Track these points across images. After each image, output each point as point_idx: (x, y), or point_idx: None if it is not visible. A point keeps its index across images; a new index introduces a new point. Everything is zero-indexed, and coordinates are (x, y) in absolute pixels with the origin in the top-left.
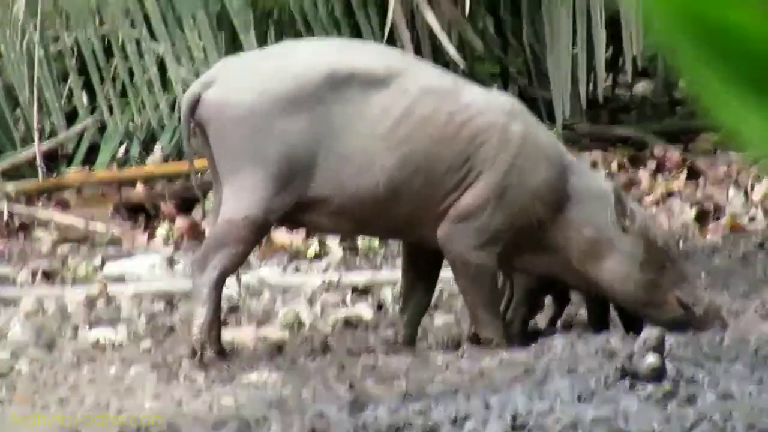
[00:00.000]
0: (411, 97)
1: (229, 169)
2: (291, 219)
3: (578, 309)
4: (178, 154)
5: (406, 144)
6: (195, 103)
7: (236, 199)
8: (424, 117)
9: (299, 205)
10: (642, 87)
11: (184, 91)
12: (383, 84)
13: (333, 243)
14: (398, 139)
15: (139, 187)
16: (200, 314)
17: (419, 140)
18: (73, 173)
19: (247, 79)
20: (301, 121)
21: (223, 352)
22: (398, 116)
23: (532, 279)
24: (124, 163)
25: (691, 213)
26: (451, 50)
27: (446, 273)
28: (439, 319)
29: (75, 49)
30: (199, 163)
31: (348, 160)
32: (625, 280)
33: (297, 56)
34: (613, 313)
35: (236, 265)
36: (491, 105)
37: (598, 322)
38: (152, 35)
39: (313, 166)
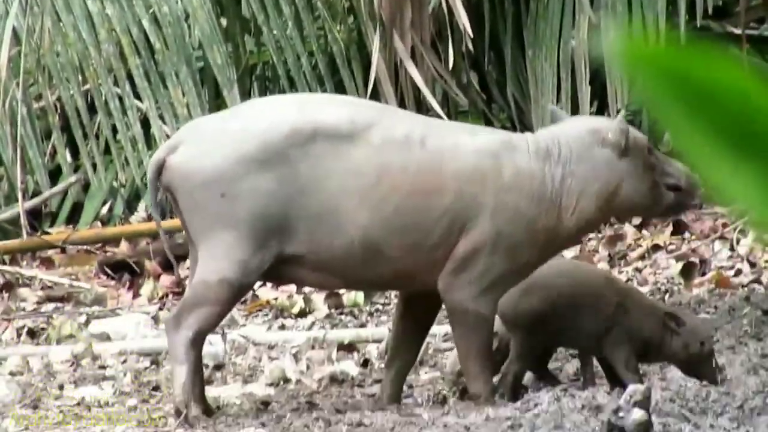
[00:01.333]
0: (377, 151)
1: (201, 231)
2: (277, 275)
3: (563, 364)
4: (162, 211)
5: (376, 199)
6: (161, 168)
7: (211, 261)
8: (392, 170)
9: (282, 261)
10: None
11: None
12: (349, 139)
13: (318, 299)
14: (368, 195)
15: (123, 245)
16: (179, 374)
17: (390, 194)
18: (57, 231)
19: (211, 142)
20: (268, 181)
21: (208, 410)
22: (366, 171)
23: (528, 336)
24: (108, 220)
25: (676, 267)
26: (435, 105)
27: (432, 329)
28: (424, 375)
29: (58, 107)
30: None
31: (320, 218)
32: (635, 197)
33: (260, 115)
34: (598, 368)
35: (212, 325)
36: (459, 148)
37: (612, 380)
38: (135, 92)
39: (287, 225)
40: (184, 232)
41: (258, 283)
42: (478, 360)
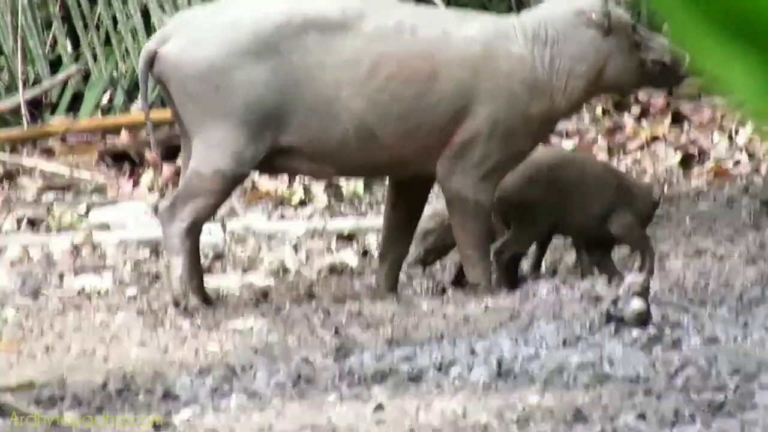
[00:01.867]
0: (369, 40)
1: (195, 123)
2: (272, 166)
3: (563, 254)
4: (162, 101)
5: (370, 87)
6: (152, 60)
7: (206, 153)
8: (385, 59)
9: (276, 152)
10: None
11: None
12: (340, 29)
13: (318, 190)
14: (362, 84)
15: (124, 135)
16: (176, 265)
17: (384, 82)
18: (57, 121)
19: (203, 33)
20: (261, 71)
21: (207, 300)
22: (360, 61)
23: (532, 223)
24: (108, 110)
25: (675, 158)
26: None
27: None
28: None
29: None
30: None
31: (315, 108)
32: (621, 75)
33: (251, 7)
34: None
35: (206, 216)
36: (450, 35)
37: (606, 269)
38: None
39: (281, 116)
40: (176, 123)
41: (257, 174)
42: (478, 248)
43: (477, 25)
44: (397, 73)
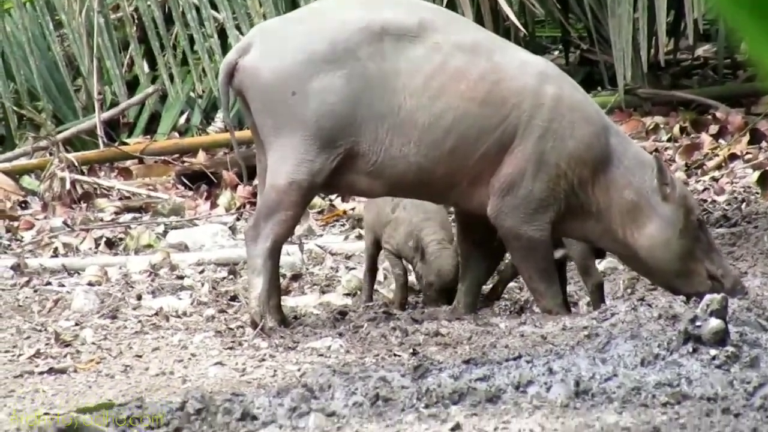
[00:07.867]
0: (444, 53)
1: (270, 134)
2: (330, 183)
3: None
4: (240, 122)
5: (438, 101)
6: (232, 71)
7: (281, 164)
8: (455, 74)
9: (338, 165)
10: (703, 51)
11: None
12: (417, 39)
13: None
14: (431, 96)
15: (201, 156)
16: (256, 285)
17: (451, 98)
18: (134, 142)
19: (282, 42)
20: (337, 79)
21: (284, 321)
22: (431, 72)
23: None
24: (185, 131)
25: (753, 176)
26: (511, 14)
27: None
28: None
29: (135, 18)
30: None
31: (384, 116)
32: (663, 247)
33: (329, 15)
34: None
35: (288, 231)
36: (523, 67)
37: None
38: (212, 3)
39: (352, 124)
40: (253, 138)
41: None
42: (542, 279)
43: (554, 68)
44: (465, 90)
